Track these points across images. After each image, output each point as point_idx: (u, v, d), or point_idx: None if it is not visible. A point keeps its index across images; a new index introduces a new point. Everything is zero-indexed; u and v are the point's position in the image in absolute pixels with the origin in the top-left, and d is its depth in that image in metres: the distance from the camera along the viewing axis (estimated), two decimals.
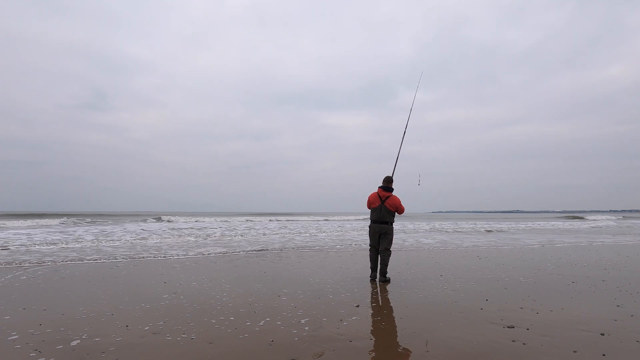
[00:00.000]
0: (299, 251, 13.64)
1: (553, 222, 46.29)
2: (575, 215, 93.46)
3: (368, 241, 10.25)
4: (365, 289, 7.65)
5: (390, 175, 8.35)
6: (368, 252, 9.78)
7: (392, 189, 8.30)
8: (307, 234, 21.91)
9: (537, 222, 45.87)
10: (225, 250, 13.73)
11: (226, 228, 27.57)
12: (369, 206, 8.33)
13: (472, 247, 15.17)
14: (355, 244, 16.13)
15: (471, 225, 34.83)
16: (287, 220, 43.55)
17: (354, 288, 7.70)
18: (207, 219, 47.36)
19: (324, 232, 24.14)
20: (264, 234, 21.58)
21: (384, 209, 8.15)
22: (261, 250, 13.88)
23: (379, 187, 8.34)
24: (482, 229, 29.53)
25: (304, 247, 15.16)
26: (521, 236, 22.56)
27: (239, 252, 13.23)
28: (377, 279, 8.30)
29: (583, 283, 8.36)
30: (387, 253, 8.23)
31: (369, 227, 8.31)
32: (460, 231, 27.01)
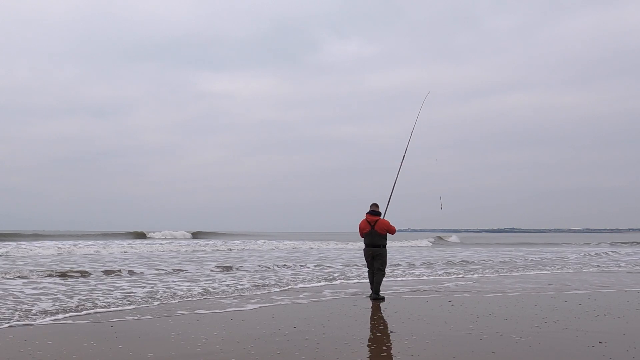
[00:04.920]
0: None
1: None
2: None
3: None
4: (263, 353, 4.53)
5: (377, 203, 9.12)
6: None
7: (380, 213, 8.97)
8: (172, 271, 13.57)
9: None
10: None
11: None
12: (361, 233, 8.98)
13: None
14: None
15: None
16: (146, 246, 26.91)
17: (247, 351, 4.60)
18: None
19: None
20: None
21: (374, 233, 8.79)
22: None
23: (367, 213, 8.92)
24: None
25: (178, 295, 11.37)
26: None
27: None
28: (370, 296, 8.83)
29: (616, 344, 5.25)
30: (380, 273, 8.85)
31: (363, 250, 9.12)
32: None
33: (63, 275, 11.86)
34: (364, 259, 9.34)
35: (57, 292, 9.20)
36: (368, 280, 9.23)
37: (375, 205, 9.09)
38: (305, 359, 4.67)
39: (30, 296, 8.63)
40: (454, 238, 52.84)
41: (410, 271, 14.76)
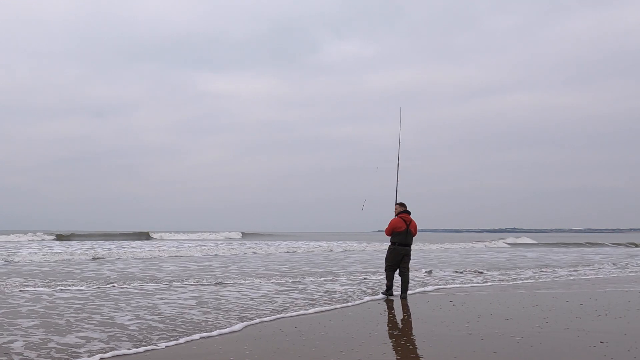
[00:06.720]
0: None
1: None
2: None
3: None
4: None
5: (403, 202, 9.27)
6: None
7: (411, 213, 9.08)
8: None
9: None
10: None
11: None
12: (393, 231, 8.87)
13: None
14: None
15: None
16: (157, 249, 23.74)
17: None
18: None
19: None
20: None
21: (409, 232, 8.90)
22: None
23: (402, 212, 9.04)
24: None
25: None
26: None
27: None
28: (400, 296, 8.86)
29: (617, 345, 5.22)
30: (408, 272, 9.09)
31: (393, 249, 9.00)
32: None
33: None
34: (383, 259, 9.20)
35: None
36: (386, 279, 9.12)
37: (404, 205, 9.14)
38: (305, 359, 4.65)
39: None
40: (524, 239, 47.86)
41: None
